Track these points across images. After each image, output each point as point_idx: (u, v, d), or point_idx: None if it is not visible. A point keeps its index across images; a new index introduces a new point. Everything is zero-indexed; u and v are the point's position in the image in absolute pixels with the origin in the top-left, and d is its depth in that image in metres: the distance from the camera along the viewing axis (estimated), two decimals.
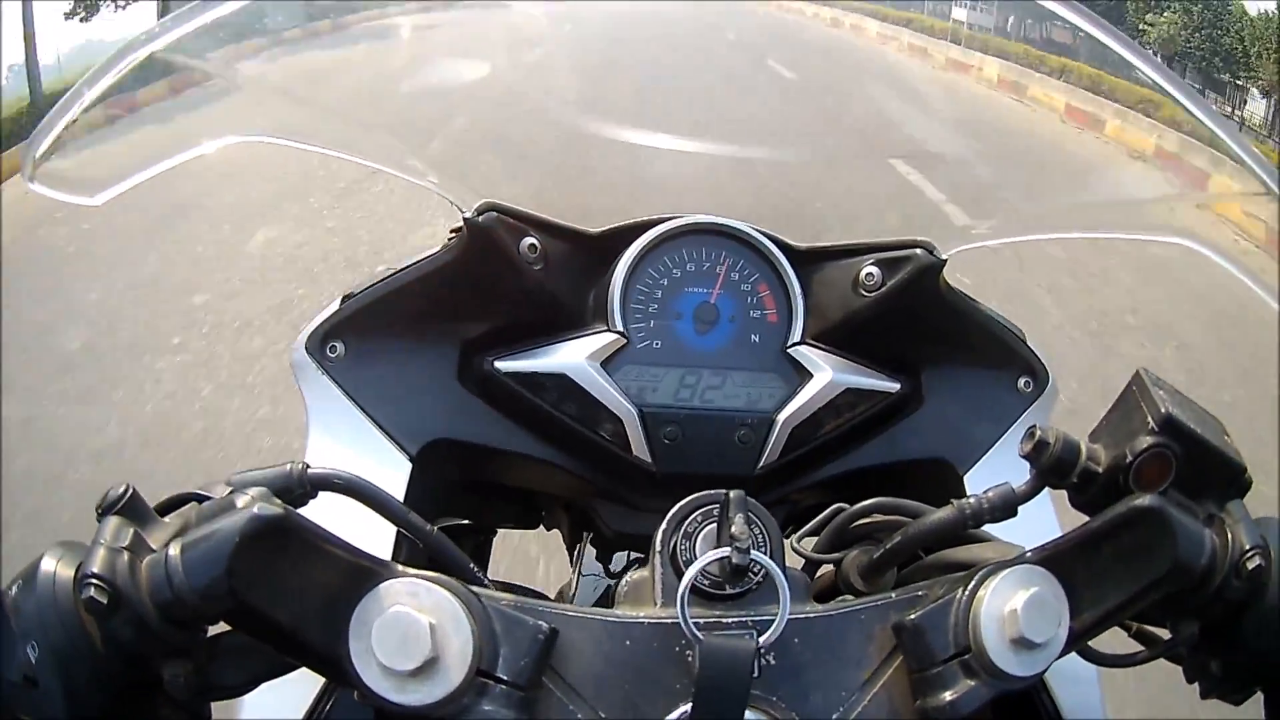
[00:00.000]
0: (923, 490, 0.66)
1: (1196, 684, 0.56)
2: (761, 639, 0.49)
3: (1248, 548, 0.50)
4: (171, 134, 0.67)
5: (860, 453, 0.78)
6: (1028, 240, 0.74)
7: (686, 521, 0.55)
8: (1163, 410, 0.51)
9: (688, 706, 0.47)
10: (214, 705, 0.50)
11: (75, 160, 0.65)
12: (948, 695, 0.49)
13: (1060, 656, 0.50)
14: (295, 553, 0.45)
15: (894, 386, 0.77)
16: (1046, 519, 0.69)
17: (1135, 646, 0.58)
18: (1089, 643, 0.56)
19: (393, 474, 0.71)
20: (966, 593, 0.51)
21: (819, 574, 0.67)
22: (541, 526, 1.01)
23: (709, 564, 0.51)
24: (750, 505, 0.54)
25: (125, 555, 0.44)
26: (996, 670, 0.49)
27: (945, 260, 0.74)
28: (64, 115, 0.64)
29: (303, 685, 0.60)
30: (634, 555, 0.88)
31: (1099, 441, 0.54)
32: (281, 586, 0.44)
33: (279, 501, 0.45)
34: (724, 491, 0.54)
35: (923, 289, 0.74)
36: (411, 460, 0.72)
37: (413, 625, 0.44)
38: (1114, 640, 0.58)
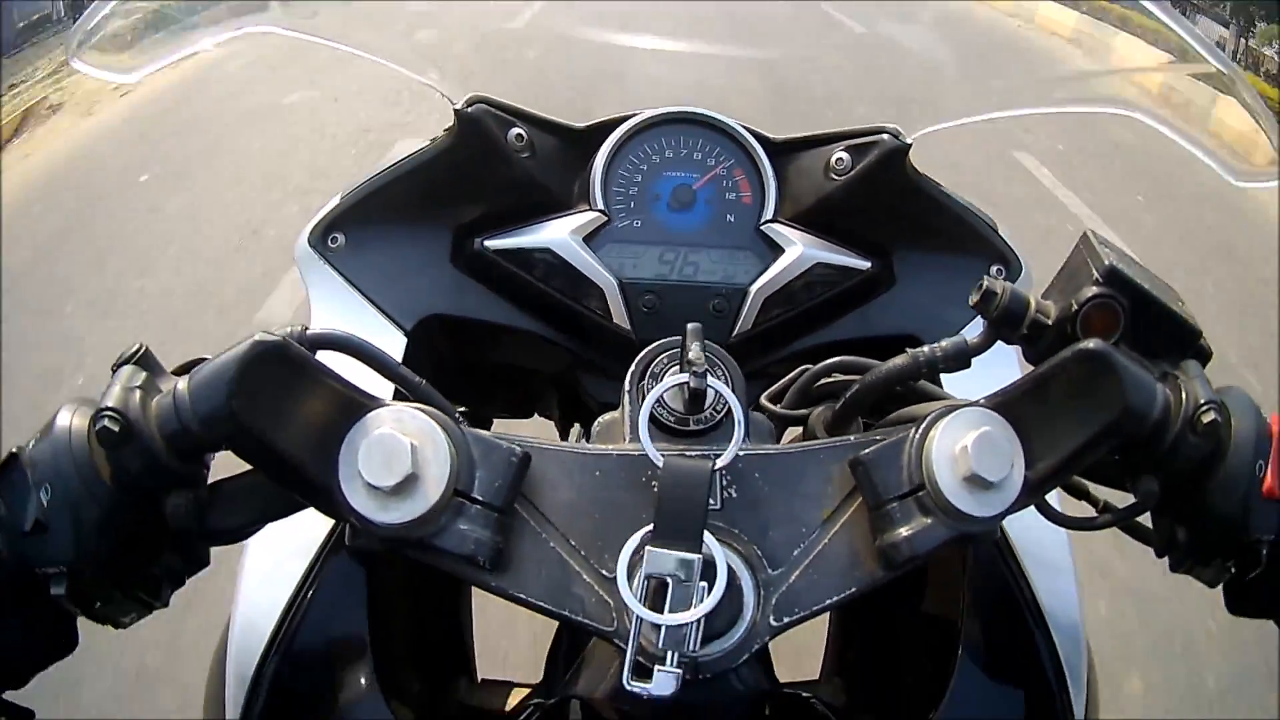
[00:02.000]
0: None
1: (1168, 559, 0.54)
2: (719, 461, 0.50)
3: (1202, 402, 0.49)
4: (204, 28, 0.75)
5: (833, 327, 0.80)
6: (987, 119, 0.78)
7: (653, 364, 0.58)
8: (1106, 263, 0.52)
9: (650, 526, 0.48)
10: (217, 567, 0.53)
11: (115, 44, 0.73)
12: (904, 531, 0.49)
13: (1018, 507, 0.50)
14: (293, 382, 0.47)
15: (865, 265, 0.79)
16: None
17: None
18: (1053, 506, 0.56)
19: (389, 348, 0.74)
20: (919, 432, 0.51)
21: (788, 436, 0.68)
22: (535, 416, 1.05)
23: (668, 390, 0.53)
24: (710, 346, 0.56)
25: (137, 393, 0.47)
26: (951, 508, 0.48)
27: (910, 144, 0.77)
28: (106, 4, 0.72)
29: (298, 559, 0.64)
30: None
31: (1049, 298, 0.55)
32: (279, 414, 0.46)
33: (280, 333, 0.48)
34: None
35: (890, 172, 0.77)
36: (407, 335, 0.76)
37: (395, 444, 0.46)
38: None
